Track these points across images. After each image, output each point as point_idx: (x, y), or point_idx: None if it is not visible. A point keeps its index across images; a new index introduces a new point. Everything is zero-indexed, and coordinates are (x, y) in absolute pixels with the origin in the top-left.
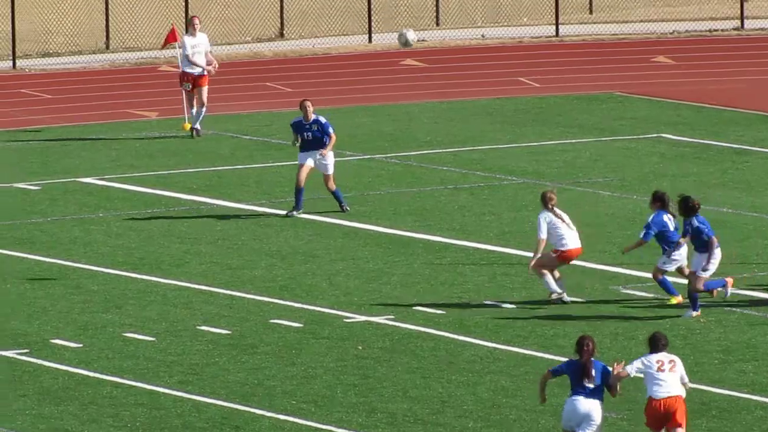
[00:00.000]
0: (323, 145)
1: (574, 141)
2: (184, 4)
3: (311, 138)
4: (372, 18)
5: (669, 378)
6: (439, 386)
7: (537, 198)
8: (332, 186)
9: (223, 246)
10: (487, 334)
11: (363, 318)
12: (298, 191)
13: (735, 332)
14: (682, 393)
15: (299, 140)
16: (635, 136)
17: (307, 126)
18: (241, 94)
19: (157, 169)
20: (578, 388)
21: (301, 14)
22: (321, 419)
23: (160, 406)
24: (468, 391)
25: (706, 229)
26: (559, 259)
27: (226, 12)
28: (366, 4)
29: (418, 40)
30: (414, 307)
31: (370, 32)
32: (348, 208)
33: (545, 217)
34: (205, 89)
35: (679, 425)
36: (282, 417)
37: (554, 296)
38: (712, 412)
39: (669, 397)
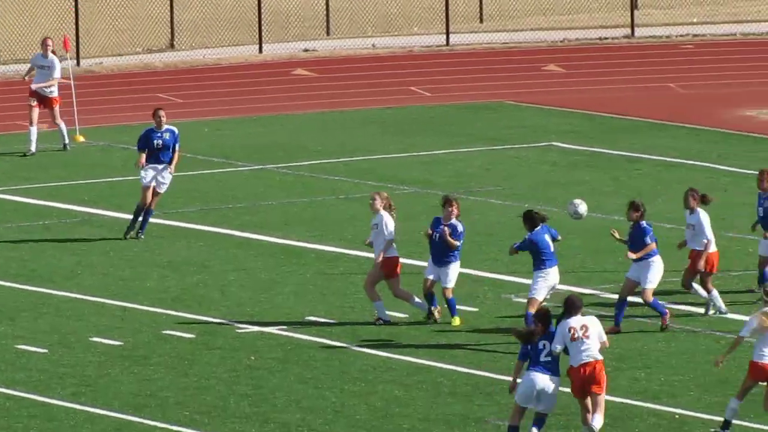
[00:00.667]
0: (169, 157)
1: (465, 150)
2: (74, 16)
3: (161, 146)
4: (262, 28)
5: (581, 345)
6: (332, 396)
7: (428, 207)
8: (153, 203)
9: (114, 257)
10: (379, 344)
11: (255, 328)
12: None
13: (627, 340)
14: (600, 356)
15: (147, 151)
16: (526, 145)
17: (159, 134)
18: (133, 105)
19: (50, 180)
20: (535, 363)
21: (191, 25)
22: (214, 430)
23: (53, 418)
24: (361, 400)
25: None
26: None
27: (117, 23)
28: (257, 14)
29: (307, 49)
30: (306, 318)
31: (260, 42)
32: (142, 236)
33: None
34: (54, 110)
35: (599, 391)
36: (175, 428)
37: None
38: (605, 420)
39: (586, 363)
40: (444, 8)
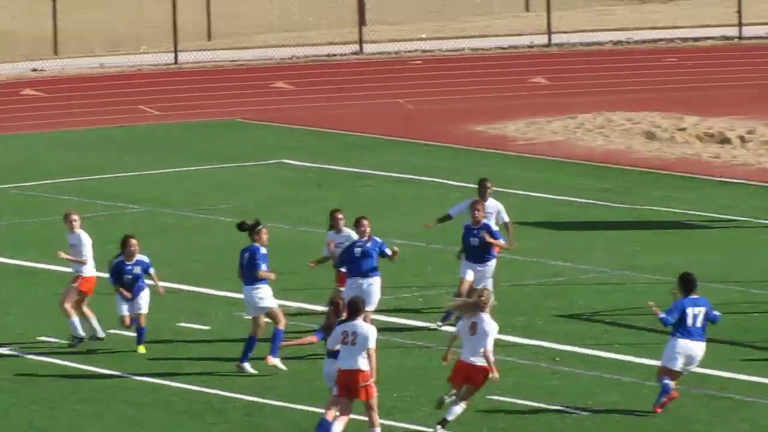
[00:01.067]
0: None
1: (195, 168)
2: None
3: None
4: None
5: (348, 351)
6: (65, 416)
7: (157, 226)
8: None
9: None
10: (113, 363)
11: None
12: None
13: None
14: (363, 366)
15: None
16: (257, 162)
17: None
18: None
19: None
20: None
21: None
22: None
23: None
24: (94, 420)
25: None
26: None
27: None
28: None
29: (35, 69)
30: (38, 338)
31: None
32: None
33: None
34: None
35: (361, 398)
36: None
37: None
38: None
39: (347, 370)
40: (172, 26)
